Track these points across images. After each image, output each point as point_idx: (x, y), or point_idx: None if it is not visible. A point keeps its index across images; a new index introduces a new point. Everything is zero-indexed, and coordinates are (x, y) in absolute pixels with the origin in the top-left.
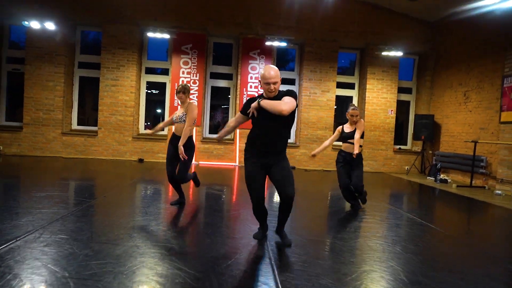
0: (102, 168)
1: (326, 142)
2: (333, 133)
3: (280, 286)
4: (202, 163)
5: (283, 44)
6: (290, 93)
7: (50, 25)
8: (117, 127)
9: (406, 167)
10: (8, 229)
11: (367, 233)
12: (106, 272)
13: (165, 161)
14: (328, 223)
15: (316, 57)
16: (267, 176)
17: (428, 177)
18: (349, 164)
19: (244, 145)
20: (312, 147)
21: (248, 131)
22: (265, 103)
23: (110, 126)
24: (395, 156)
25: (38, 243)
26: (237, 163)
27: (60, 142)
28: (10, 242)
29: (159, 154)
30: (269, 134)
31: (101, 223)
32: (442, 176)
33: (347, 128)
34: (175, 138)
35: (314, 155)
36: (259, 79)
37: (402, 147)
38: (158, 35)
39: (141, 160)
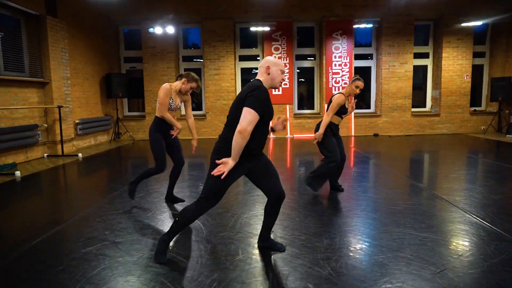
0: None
1: (327, 119)
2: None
3: None
4: (296, 136)
5: (370, 25)
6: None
7: (170, 29)
8: (222, 110)
9: (482, 127)
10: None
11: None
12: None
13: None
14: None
15: (394, 31)
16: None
17: (507, 135)
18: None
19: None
20: (393, 115)
21: None
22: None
23: (216, 110)
24: (471, 117)
25: None
26: None
27: None
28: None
29: None
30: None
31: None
32: None
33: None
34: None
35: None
36: (274, 66)
37: (477, 108)
38: (260, 28)
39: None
